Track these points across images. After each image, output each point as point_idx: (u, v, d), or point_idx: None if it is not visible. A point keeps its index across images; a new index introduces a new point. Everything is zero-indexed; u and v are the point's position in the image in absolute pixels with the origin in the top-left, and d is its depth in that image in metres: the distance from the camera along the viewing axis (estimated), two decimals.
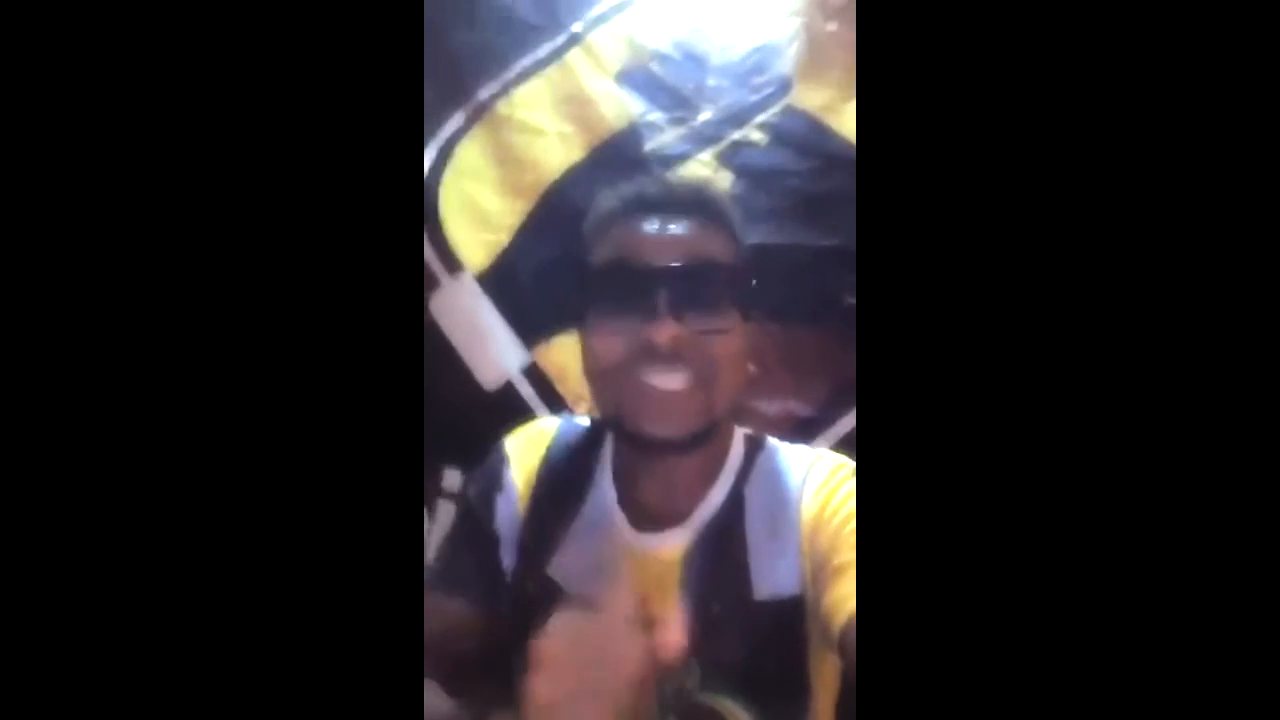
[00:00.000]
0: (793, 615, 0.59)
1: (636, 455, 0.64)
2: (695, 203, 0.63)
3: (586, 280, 0.63)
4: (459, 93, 1.18)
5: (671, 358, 0.57)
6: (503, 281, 1.14)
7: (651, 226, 0.61)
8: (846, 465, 0.64)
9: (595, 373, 0.62)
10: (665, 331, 0.57)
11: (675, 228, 0.61)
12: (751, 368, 0.64)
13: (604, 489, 0.66)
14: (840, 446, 0.84)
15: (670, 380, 0.58)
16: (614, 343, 0.59)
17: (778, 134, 1.12)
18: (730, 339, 0.60)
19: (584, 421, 0.72)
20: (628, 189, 0.65)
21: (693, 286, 0.58)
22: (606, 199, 0.65)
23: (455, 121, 1.17)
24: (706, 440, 0.62)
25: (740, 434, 0.67)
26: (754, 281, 0.63)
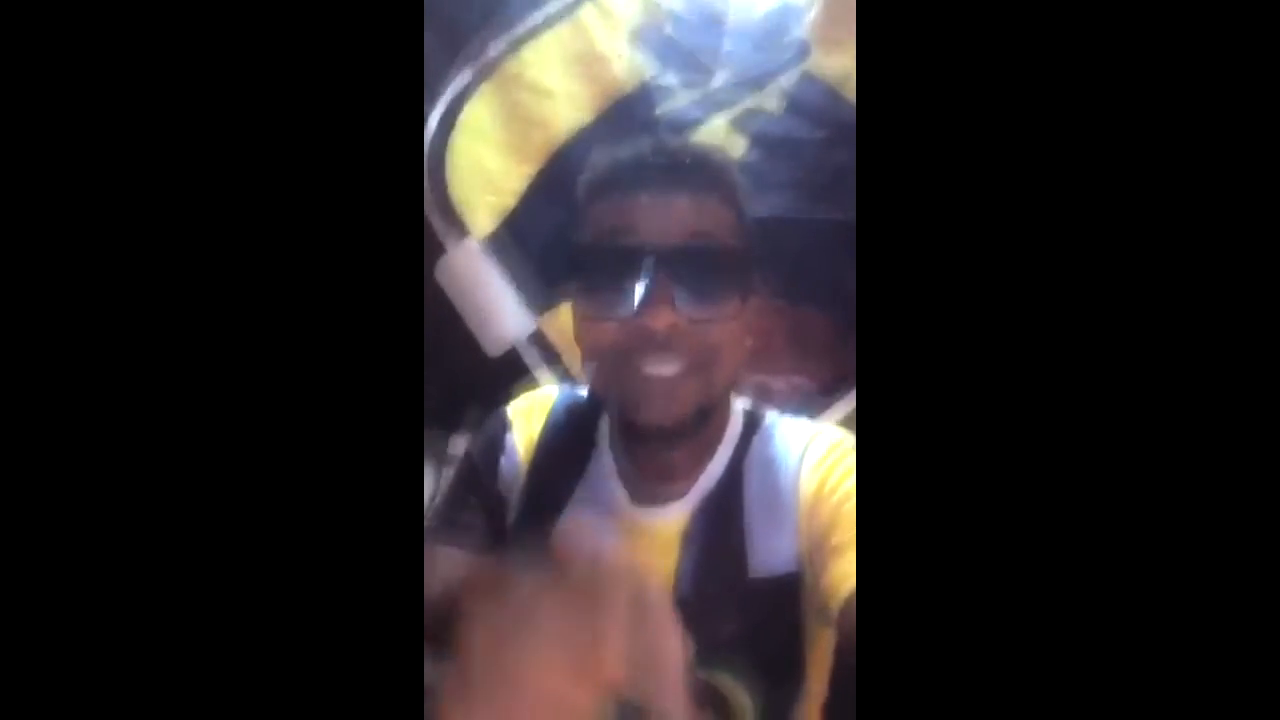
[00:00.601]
0: (789, 592, 0.59)
1: (633, 437, 0.63)
2: (699, 171, 0.60)
3: (578, 256, 0.60)
4: (466, 49, 1.15)
5: (667, 345, 0.55)
6: (508, 246, 1.12)
7: (650, 196, 0.57)
8: (845, 440, 0.63)
9: (588, 353, 0.60)
10: (662, 319, 0.54)
11: (675, 199, 0.57)
12: (749, 342, 0.62)
13: (603, 461, 0.65)
14: (844, 424, 0.83)
15: (667, 368, 0.56)
16: (608, 327, 0.57)
17: (793, 101, 1.09)
18: (729, 324, 0.57)
19: (584, 391, 0.71)
20: (626, 151, 0.60)
21: (691, 271, 0.55)
22: (602, 158, 0.61)
23: (462, 79, 1.14)
24: (705, 421, 0.60)
25: (739, 406, 0.66)
26: (755, 259, 0.60)
